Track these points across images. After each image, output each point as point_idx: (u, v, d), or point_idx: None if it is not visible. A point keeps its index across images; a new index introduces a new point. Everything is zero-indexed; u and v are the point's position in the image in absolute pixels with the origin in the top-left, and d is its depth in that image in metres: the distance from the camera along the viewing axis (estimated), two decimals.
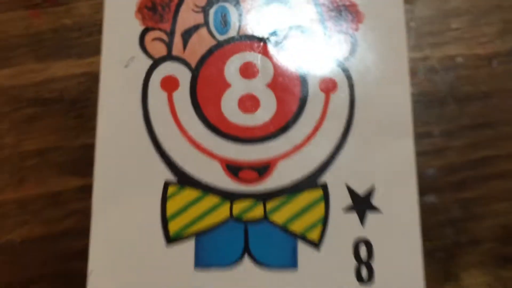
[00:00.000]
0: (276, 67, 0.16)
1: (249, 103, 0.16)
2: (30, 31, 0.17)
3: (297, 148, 0.16)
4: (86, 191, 0.15)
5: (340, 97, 0.16)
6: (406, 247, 0.15)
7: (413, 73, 0.17)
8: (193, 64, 0.16)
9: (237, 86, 0.16)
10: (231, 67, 0.16)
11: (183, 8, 0.17)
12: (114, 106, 0.16)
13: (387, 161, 0.15)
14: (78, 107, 0.16)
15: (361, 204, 0.15)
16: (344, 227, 0.15)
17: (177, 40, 0.16)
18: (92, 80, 0.16)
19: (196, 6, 0.16)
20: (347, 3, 0.17)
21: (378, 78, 0.16)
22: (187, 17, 0.17)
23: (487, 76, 0.17)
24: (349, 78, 0.16)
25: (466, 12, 0.17)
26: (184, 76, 0.16)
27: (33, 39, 0.17)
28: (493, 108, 0.16)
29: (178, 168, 0.15)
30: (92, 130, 0.15)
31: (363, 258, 0.15)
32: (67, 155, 0.16)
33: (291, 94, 0.16)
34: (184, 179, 0.15)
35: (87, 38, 0.17)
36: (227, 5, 0.17)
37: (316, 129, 0.16)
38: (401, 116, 0.16)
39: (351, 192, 0.15)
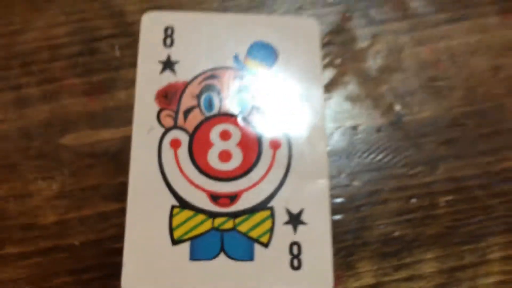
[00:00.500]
0: (242, 133, 0.25)
1: (225, 156, 0.25)
2: (87, 109, 0.26)
3: (255, 184, 0.25)
4: (122, 212, 0.24)
5: (282, 152, 0.25)
6: (322, 247, 0.24)
7: (329, 135, 0.26)
8: (190, 131, 0.25)
9: (218, 145, 0.25)
10: (214, 133, 0.25)
11: (184, 96, 0.26)
12: (140, 158, 0.25)
13: (311, 193, 0.24)
14: (118, 158, 0.25)
15: (295, 220, 0.24)
16: (283, 234, 0.24)
17: (180, 116, 0.26)
18: (126, 141, 0.25)
19: (192, 95, 0.26)
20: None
21: (306, 140, 0.25)
22: (187, 101, 0.26)
23: (379, 139, 0.26)
24: (288, 140, 0.25)
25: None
26: (184, 139, 0.25)
27: (88, 115, 0.26)
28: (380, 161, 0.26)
29: (180, 197, 0.24)
30: (126, 173, 0.24)
31: (295, 254, 0.24)
32: (111, 189, 0.25)
33: (252, 150, 0.25)
34: (183, 204, 0.24)
35: (124, 114, 0.26)
36: (212, 93, 0.26)
37: (267, 172, 0.25)
38: (320, 165, 0.25)
39: (289, 212, 0.24)
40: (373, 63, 0.27)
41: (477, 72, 0.27)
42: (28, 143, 0.25)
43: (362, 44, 0.28)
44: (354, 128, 0.26)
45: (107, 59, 0.27)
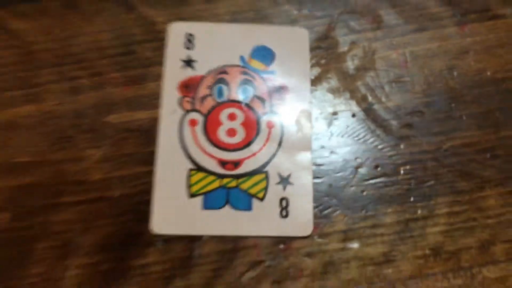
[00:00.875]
0: (245, 115, 0.32)
1: (231, 132, 0.32)
2: (125, 96, 0.33)
3: (254, 154, 0.32)
4: (151, 173, 0.31)
5: (276, 131, 0.32)
6: (305, 202, 0.31)
7: (315, 119, 0.33)
8: (204, 113, 0.33)
9: (226, 124, 0.32)
10: (223, 115, 0.32)
11: (200, 86, 0.33)
12: (166, 133, 0.32)
13: (297, 161, 0.31)
14: (148, 133, 0.32)
15: (284, 181, 0.31)
16: (275, 191, 0.31)
17: (197, 101, 0.33)
18: (155, 121, 0.32)
19: (207, 85, 0.33)
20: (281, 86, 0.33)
21: (295, 122, 0.32)
22: (202, 91, 0.33)
23: (354, 122, 0.33)
24: (281, 121, 0.32)
25: None
26: (200, 119, 0.32)
27: (126, 100, 0.33)
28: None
29: (196, 162, 0.31)
30: (154, 144, 0.31)
31: (284, 206, 0.31)
32: (142, 155, 0.32)
33: (252, 129, 0.32)
34: (198, 168, 0.31)
35: (153, 101, 0.33)
36: (222, 85, 0.33)
37: (263, 145, 0.32)
38: (306, 141, 0.32)
39: (280, 175, 0.31)
40: (351, 63, 0.34)
41: (435, 71, 0.34)
42: (80, 121, 0.32)
43: (343, 48, 0.35)
44: (335, 113, 0.33)
45: (141, 58, 0.34)
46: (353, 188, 0.31)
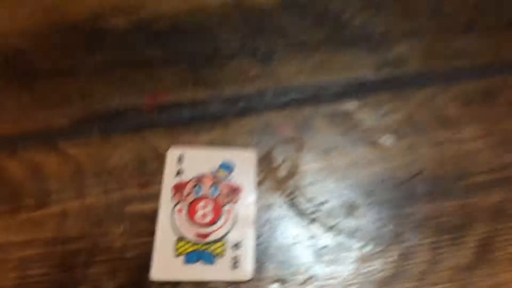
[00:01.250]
0: (213, 205, 0.51)
1: (204, 216, 0.51)
2: (141, 193, 0.53)
3: (218, 229, 0.50)
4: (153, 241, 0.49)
5: (232, 215, 0.51)
6: (248, 258, 0.48)
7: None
8: (188, 203, 0.51)
9: (201, 211, 0.51)
10: (199, 205, 0.51)
11: (186, 187, 0.53)
12: (164, 216, 0.51)
13: (245, 234, 0.50)
14: (154, 216, 0.51)
15: (236, 246, 0.49)
16: (230, 252, 0.49)
17: (183, 196, 0.52)
18: (157, 209, 0.51)
19: (190, 186, 0.52)
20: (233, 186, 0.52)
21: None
22: (187, 190, 0.52)
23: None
24: (237, 209, 0.51)
25: None
26: (185, 207, 0.51)
27: (141, 195, 0.53)
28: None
29: (181, 234, 0.50)
30: (155, 221, 0.50)
31: (235, 261, 0.48)
32: (150, 228, 0.50)
33: (218, 214, 0.51)
34: (182, 238, 0.49)
35: (156, 197, 0.52)
36: (200, 186, 0.53)
37: (224, 224, 0.50)
38: (250, 221, 0.50)
39: (233, 242, 0.49)
40: (284, 172, 0.54)
41: None
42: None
43: (277, 163, 0.54)
44: (270, 205, 0.52)
45: (152, 172, 0.54)
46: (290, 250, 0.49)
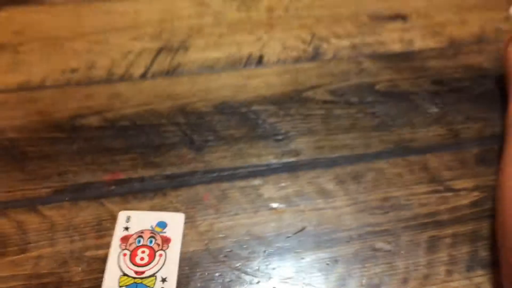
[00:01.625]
0: (149, 251, 0.70)
1: (142, 259, 0.69)
2: (96, 243, 0.71)
3: (151, 268, 0.69)
4: (105, 261, 0.67)
5: (163, 258, 0.70)
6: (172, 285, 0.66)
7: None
8: (131, 250, 0.70)
9: (140, 255, 0.70)
10: (139, 251, 0.70)
11: (131, 238, 0.72)
12: (113, 259, 0.69)
13: (171, 270, 0.68)
14: (104, 259, 0.69)
15: (164, 280, 0.67)
16: (159, 284, 0.67)
17: (128, 245, 0.71)
18: (107, 254, 0.70)
19: (134, 238, 0.72)
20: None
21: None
22: (131, 240, 0.71)
23: None
24: (166, 253, 0.70)
25: None
26: (128, 253, 0.70)
27: (97, 246, 0.71)
28: None
29: (124, 272, 0.68)
30: (105, 262, 0.68)
31: None
32: (101, 268, 0.68)
33: (152, 257, 0.70)
34: (125, 274, 0.68)
35: (107, 248, 0.71)
36: (140, 238, 0.72)
37: (156, 264, 0.69)
38: (175, 261, 0.69)
39: (161, 277, 0.68)
40: (203, 228, 0.74)
41: None
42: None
43: (199, 222, 0.74)
44: (191, 252, 0.71)
45: (105, 228, 0.73)
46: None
